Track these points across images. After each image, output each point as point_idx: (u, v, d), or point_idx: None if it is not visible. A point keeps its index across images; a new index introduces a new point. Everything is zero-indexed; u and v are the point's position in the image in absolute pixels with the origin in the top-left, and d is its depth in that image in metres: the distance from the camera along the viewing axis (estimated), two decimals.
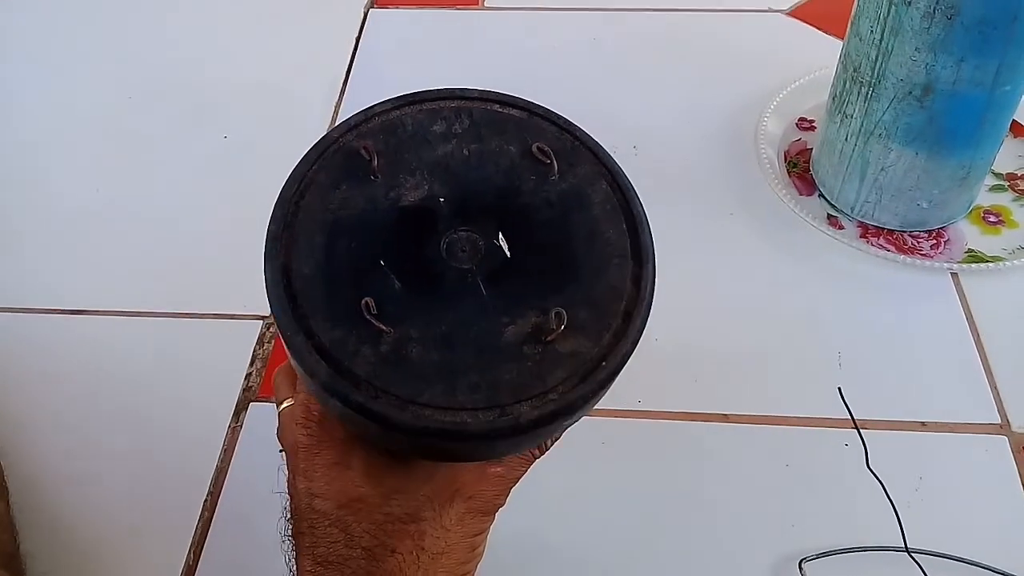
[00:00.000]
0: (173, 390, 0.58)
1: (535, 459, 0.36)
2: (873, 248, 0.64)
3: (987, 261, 0.63)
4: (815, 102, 0.74)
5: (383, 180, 0.32)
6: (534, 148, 0.33)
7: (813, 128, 0.73)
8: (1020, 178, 0.70)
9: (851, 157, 0.64)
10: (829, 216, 0.67)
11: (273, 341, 0.60)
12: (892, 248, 0.64)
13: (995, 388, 0.57)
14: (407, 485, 0.34)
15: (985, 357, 0.58)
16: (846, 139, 0.64)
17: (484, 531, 0.35)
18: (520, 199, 0.32)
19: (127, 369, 0.59)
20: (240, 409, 0.57)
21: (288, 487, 0.36)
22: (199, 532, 0.51)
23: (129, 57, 0.84)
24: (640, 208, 0.33)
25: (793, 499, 0.52)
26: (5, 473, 0.52)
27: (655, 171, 0.71)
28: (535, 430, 0.29)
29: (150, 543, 0.51)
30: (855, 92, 0.62)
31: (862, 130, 0.62)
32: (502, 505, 0.35)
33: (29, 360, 0.60)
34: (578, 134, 0.34)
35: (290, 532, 0.36)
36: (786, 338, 0.60)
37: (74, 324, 0.62)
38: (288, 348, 0.29)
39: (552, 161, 0.32)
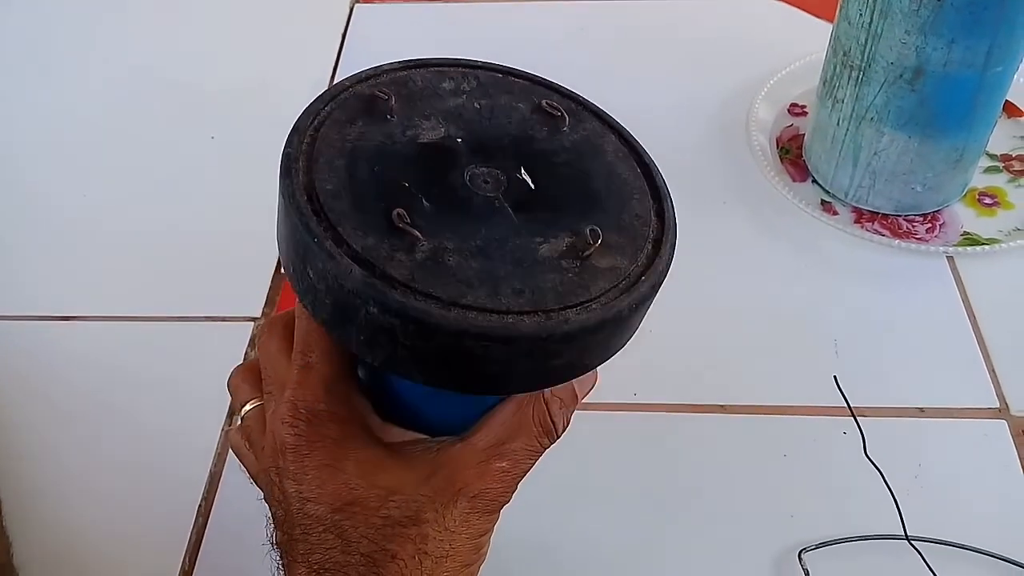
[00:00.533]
0: (165, 395, 0.58)
1: (543, 450, 0.34)
2: (868, 233, 0.64)
3: (983, 243, 0.63)
4: (806, 87, 0.73)
5: (398, 120, 0.32)
6: (543, 103, 0.34)
7: (805, 114, 0.73)
8: (1015, 159, 0.69)
9: (843, 142, 0.63)
10: (823, 202, 0.66)
11: None
12: (887, 233, 0.64)
13: (993, 372, 0.57)
14: (405, 485, 0.32)
15: (982, 340, 0.58)
16: (838, 124, 0.63)
17: (489, 531, 0.34)
18: (535, 145, 0.33)
19: (118, 375, 0.59)
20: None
21: (271, 492, 0.34)
22: (194, 538, 0.51)
23: (113, 60, 0.83)
24: (650, 157, 0.34)
25: (792, 489, 0.52)
26: None
27: None
28: (583, 337, 0.29)
29: (145, 550, 0.51)
30: (845, 76, 0.61)
31: (854, 115, 0.62)
32: (507, 502, 0.34)
33: (19, 368, 0.59)
34: (580, 99, 0.36)
35: (276, 541, 0.34)
36: (782, 327, 0.60)
37: (64, 330, 0.61)
38: (313, 256, 0.28)
39: (563, 113, 0.34)
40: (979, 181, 0.67)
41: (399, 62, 0.34)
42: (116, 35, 0.86)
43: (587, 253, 0.30)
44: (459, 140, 0.32)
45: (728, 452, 0.54)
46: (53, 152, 0.75)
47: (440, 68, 0.35)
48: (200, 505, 0.52)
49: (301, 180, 0.30)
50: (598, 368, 0.33)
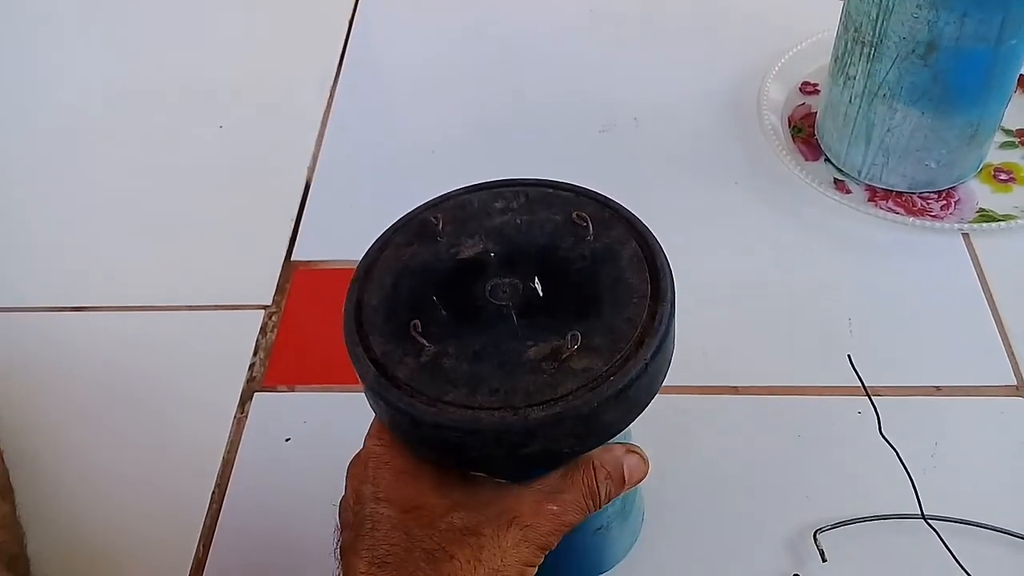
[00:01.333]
0: (177, 383, 0.58)
1: (589, 511, 0.37)
2: (882, 211, 0.63)
3: (999, 220, 0.62)
4: (818, 65, 0.72)
5: (446, 240, 0.38)
6: (573, 215, 0.38)
7: (817, 92, 0.72)
8: None
9: (856, 119, 0.63)
10: (836, 181, 0.66)
11: (275, 330, 0.60)
12: (901, 211, 0.63)
13: (1010, 349, 0.56)
14: (470, 502, 0.36)
15: (999, 318, 0.57)
16: (850, 101, 0.63)
17: (535, 564, 0.36)
18: (558, 254, 0.37)
19: (130, 364, 0.59)
20: (245, 399, 0.56)
21: (347, 500, 0.38)
22: (207, 525, 0.51)
23: (123, 51, 0.83)
24: (664, 261, 0.36)
25: (807, 470, 0.51)
26: (10, 474, 0.52)
27: (657, 143, 0.70)
28: (545, 430, 0.33)
29: (159, 537, 0.51)
30: (857, 53, 0.60)
31: (866, 91, 0.61)
32: (552, 546, 0.36)
33: (31, 360, 0.59)
34: (615, 206, 0.39)
35: (340, 545, 0.37)
36: (796, 306, 0.59)
37: (75, 321, 0.61)
38: (351, 358, 0.35)
39: (588, 224, 0.37)
40: (994, 157, 0.66)
41: (464, 187, 0.40)
42: (125, 26, 0.86)
43: (565, 356, 0.33)
44: (492, 254, 0.37)
45: (742, 434, 0.53)
46: (62, 144, 0.75)
47: (497, 189, 0.40)
48: (213, 492, 0.52)
49: (355, 297, 0.37)
50: (647, 457, 0.39)
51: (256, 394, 0.57)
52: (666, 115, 0.73)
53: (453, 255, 0.38)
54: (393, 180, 0.69)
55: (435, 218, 0.38)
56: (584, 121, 0.72)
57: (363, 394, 0.37)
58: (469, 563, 0.34)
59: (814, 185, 0.64)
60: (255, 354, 0.59)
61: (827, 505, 0.49)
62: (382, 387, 0.34)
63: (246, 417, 0.55)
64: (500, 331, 0.35)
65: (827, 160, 0.67)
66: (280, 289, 0.62)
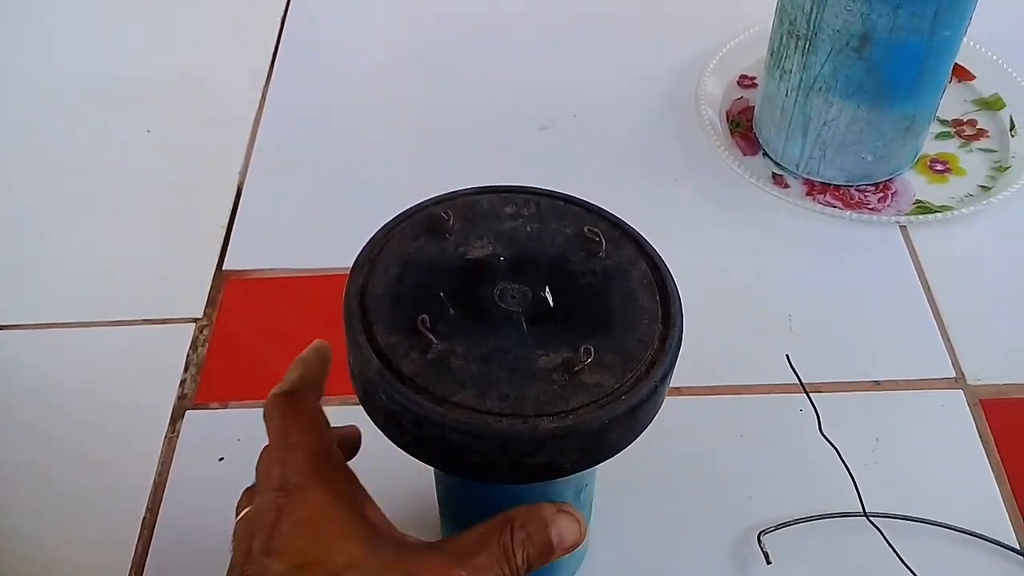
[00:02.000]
0: (106, 402, 0.55)
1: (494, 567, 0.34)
2: (820, 205, 0.63)
3: (935, 211, 0.62)
4: (755, 58, 0.72)
5: (455, 238, 0.37)
6: (586, 230, 0.37)
7: (755, 86, 0.72)
8: (966, 124, 0.69)
9: (792, 113, 0.62)
10: (774, 175, 0.66)
11: (207, 344, 0.58)
12: (839, 204, 0.63)
13: (948, 341, 0.56)
14: (371, 561, 0.33)
15: (937, 310, 0.58)
16: (786, 95, 0.62)
17: None
18: (569, 267, 0.37)
19: (56, 383, 0.57)
20: (176, 418, 0.54)
21: (234, 563, 0.34)
22: (139, 551, 0.49)
23: (44, 56, 0.80)
24: (674, 286, 0.37)
25: (749, 470, 0.51)
26: None
27: (596, 138, 0.70)
28: (553, 442, 0.32)
29: (90, 563, 0.49)
30: (792, 46, 0.60)
31: (802, 85, 0.61)
32: None
33: None
34: (626, 227, 0.39)
35: None
36: (734, 304, 0.59)
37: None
38: (350, 346, 0.34)
39: (601, 239, 0.37)
40: (930, 148, 0.67)
41: (472, 188, 0.39)
42: (49, 31, 0.82)
43: (577, 369, 0.33)
44: (501, 259, 0.37)
45: (684, 435, 0.53)
46: None
47: (508, 194, 0.39)
48: (144, 517, 0.50)
49: (359, 283, 0.35)
50: (583, 520, 0.36)
51: (188, 412, 0.55)
52: (606, 111, 0.72)
53: (461, 254, 0.37)
54: (330, 184, 0.67)
55: (446, 213, 0.37)
56: (524, 118, 0.71)
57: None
58: None
59: (752, 180, 0.64)
60: (186, 370, 0.57)
61: (770, 506, 0.49)
62: (386, 380, 0.32)
63: (177, 436, 0.54)
64: (509, 336, 0.34)
65: (765, 154, 0.67)
66: (211, 301, 0.60)
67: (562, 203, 0.39)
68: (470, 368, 0.33)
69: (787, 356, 0.49)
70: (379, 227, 0.38)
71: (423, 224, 0.38)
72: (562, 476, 0.34)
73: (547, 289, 0.35)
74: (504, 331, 0.34)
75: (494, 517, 0.34)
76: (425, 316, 0.33)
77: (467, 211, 0.38)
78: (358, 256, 0.37)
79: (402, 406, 0.32)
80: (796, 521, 0.48)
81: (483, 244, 0.37)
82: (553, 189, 0.40)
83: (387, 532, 0.36)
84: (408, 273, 0.36)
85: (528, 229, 0.38)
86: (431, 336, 0.33)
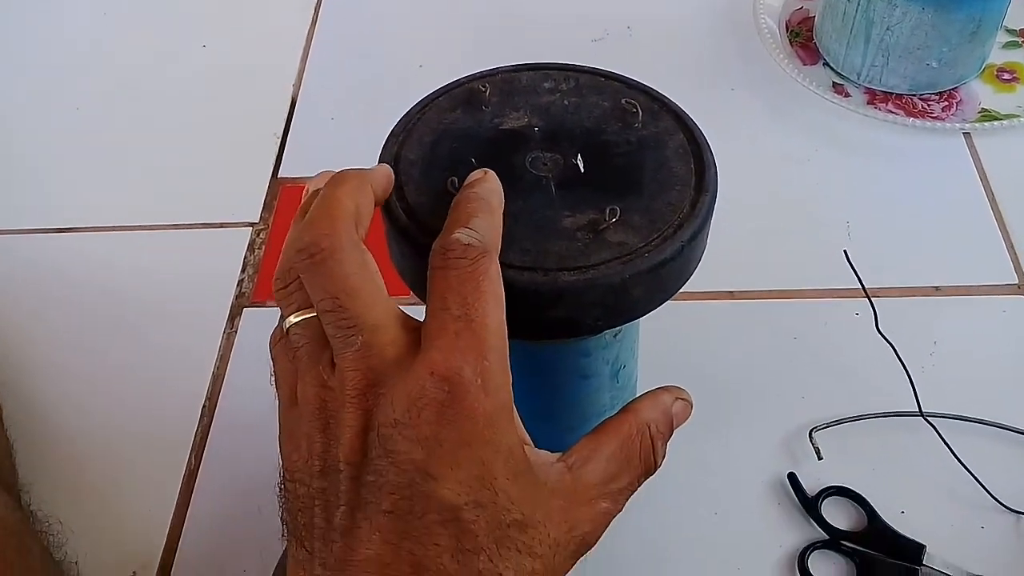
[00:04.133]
0: (166, 302, 0.57)
1: (637, 488, 0.31)
2: (881, 113, 0.61)
3: (1001, 119, 0.60)
4: None
5: (491, 111, 0.38)
6: (623, 101, 0.37)
7: None
8: None
9: (855, 18, 0.61)
10: (834, 84, 0.64)
11: (263, 247, 0.59)
12: (901, 112, 0.62)
13: (1011, 247, 0.55)
14: (536, 501, 0.29)
15: (1000, 217, 0.56)
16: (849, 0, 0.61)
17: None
18: (603, 137, 0.37)
19: (117, 284, 0.58)
20: (234, 315, 0.56)
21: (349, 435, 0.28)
22: (199, 438, 0.51)
23: None
24: (711, 157, 0.36)
25: (802, 371, 0.51)
26: None
27: (650, 50, 0.69)
28: (573, 297, 0.32)
29: (150, 451, 0.50)
30: None
31: None
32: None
33: (17, 282, 0.59)
34: (666, 100, 0.38)
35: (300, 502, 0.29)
36: (792, 211, 0.58)
37: (61, 242, 0.60)
38: (383, 207, 0.35)
39: (638, 110, 0.37)
40: (997, 57, 0.65)
41: (514, 65, 0.40)
42: None
43: (602, 228, 0.33)
44: (536, 129, 0.37)
45: (737, 338, 0.52)
46: (46, 66, 0.73)
47: (548, 71, 0.40)
48: (204, 406, 0.52)
49: (393, 150, 0.36)
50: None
51: (245, 310, 0.56)
52: (660, 23, 0.71)
53: (496, 125, 0.37)
54: (380, 96, 0.68)
55: (483, 87, 0.38)
56: (578, 29, 0.70)
57: None
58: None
59: (812, 89, 0.63)
60: (243, 271, 0.58)
61: (823, 405, 0.49)
62: (413, 233, 0.33)
63: (236, 332, 0.55)
64: (537, 199, 0.35)
65: (825, 64, 0.65)
66: (267, 206, 0.61)
67: (602, 79, 0.39)
68: None
69: (845, 252, 0.48)
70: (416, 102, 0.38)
71: (461, 98, 0.38)
72: (583, 334, 0.35)
73: (579, 157, 0.36)
74: (533, 194, 0.35)
75: (619, 420, 0.32)
76: (454, 179, 0.34)
77: (505, 85, 0.39)
78: (394, 127, 0.38)
79: (425, 257, 0.31)
80: (849, 419, 0.48)
81: (519, 116, 0.38)
82: (597, 67, 0.40)
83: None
84: (442, 142, 0.37)
85: (565, 103, 0.38)
86: None
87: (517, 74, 0.40)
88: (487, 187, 0.33)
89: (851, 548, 0.44)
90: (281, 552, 0.41)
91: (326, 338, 0.29)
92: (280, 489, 0.30)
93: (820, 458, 0.47)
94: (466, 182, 0.33)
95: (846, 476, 0.46)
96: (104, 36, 0.75)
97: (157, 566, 0.47)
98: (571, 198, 0.34)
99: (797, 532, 0.45)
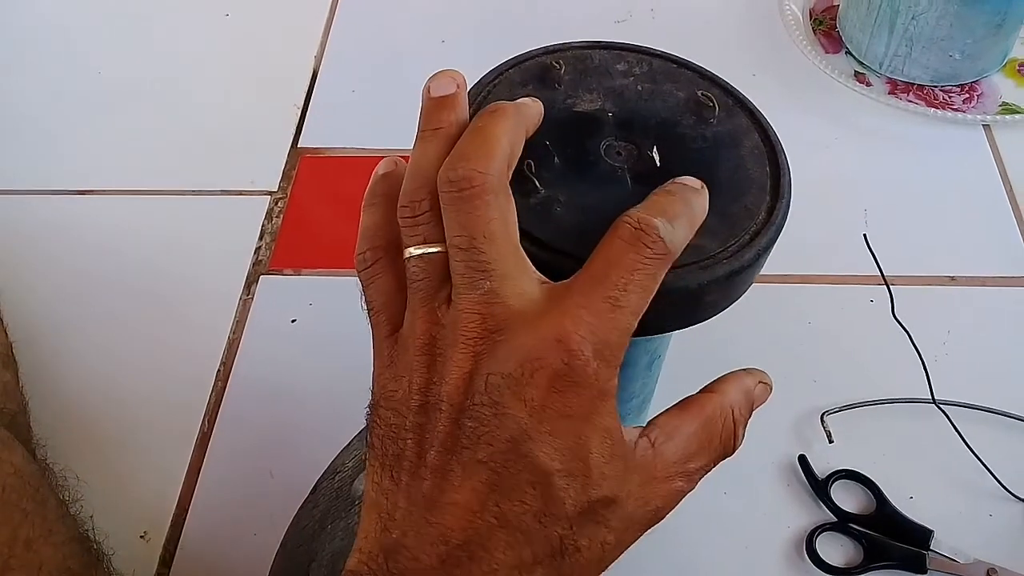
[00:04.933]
0: (183, 267, 0.57)
1: (712, 469, 0.31)
2: (902, 103, 0.61)
3: (1021, 113, 0.60)
4: None
5: (564, 89, 0.36)
6: (699, 94, 0.36)
7: None
8: None
9: (880, 7, 0.61)
10: (856, 73, 0.64)
11: (282, 216, 0.59)
12: (922, 103, 0.61)
13: None
14: (624, 481, 0.29)
15: (1018, 210, 0.56)
16: None
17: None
18: (679, 130, 0.36)
19: (136, 248, 0.58)
20: (251, 282, 0.56)
21: (455, 376, 0.28)
22: (212, 402, 0.51)
23: None
24: (785, 159, 0.35)
25: (815, 355, 0.51)
26: (14, 351, 0.52)
27: (673, 33, 0.68)
28: None
29: (164, 414, 0.51)
30: None
31: None
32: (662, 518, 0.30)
33: (38, 243, 0.59)
34: (740, 96, 0.37)
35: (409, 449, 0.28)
36: (812, 199, 0.57)
37: (81, 205, 0.61)
38: None
39: (714, 105, 0.36)
40: (1020, 51, 0.64)
41: (585, 41, 0.38)
42: None
43: None
44: (610, 114, 0.36)
45: (751, 321, 0.52)
46: (68, 29, 0.73)
47: (621, 51, 0.38)
48: (219, 370, 0.52)
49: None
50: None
51: (262, 277, 0.56)
52: (683, 6, 0.70)
53: (569, 106, 0.36)
54: (401, 70, 0.68)
55: (557, 63, 0.37)
56: (601, 11, 0.70)
57: None
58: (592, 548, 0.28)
59: (834, 77, 0.63)
60: (261, 239, 0.58)
61: (835, 389, 0.49)
62: None
63: (252, 299, 0.55)
64: (612, 191, 0.33)
65: (848, 53, 0.65)
66: (286, 175, 0.62)
67: (675, 66, 0.38)
68: (571, 217, 0.32)
69: (864, 236, 0.48)
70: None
71: (532, 72, 0.37)
72: (654, 333, 0.34)
73: (655, 149, 0.35)
74: (608, 185, 0.34)
75: (703, 400, 0.32)
76: (531, 161, 0.33)
77: (578, 64, 0.38)
78: (467, 96, 0.36)
79: None
80: (862, 404, 0.48)
81: (592, 98, 0.36)
82: (669, 52, 0.38)
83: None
84: None
85: (639, 88, 0.37)
86: (536, 182, 0.33)
87: (589, 51, 0.38)
88: (700, 203, 0.31)
89: (859, 531, 0.45)
90: (290, 520, 0.41)
91: (447, 275, 0.29)
92: (370, 412, 0.30)
93: (831, 441, 0.47)
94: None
95: (856, 460, 0.47)
96: (128, 3, 0.75)
97: (168, 527, 0.47)
98: (647, 193, 0.32)
99: (806, 514, 0.45)
